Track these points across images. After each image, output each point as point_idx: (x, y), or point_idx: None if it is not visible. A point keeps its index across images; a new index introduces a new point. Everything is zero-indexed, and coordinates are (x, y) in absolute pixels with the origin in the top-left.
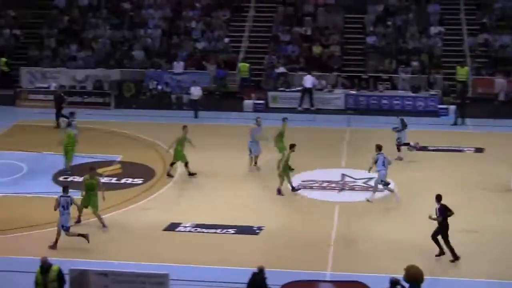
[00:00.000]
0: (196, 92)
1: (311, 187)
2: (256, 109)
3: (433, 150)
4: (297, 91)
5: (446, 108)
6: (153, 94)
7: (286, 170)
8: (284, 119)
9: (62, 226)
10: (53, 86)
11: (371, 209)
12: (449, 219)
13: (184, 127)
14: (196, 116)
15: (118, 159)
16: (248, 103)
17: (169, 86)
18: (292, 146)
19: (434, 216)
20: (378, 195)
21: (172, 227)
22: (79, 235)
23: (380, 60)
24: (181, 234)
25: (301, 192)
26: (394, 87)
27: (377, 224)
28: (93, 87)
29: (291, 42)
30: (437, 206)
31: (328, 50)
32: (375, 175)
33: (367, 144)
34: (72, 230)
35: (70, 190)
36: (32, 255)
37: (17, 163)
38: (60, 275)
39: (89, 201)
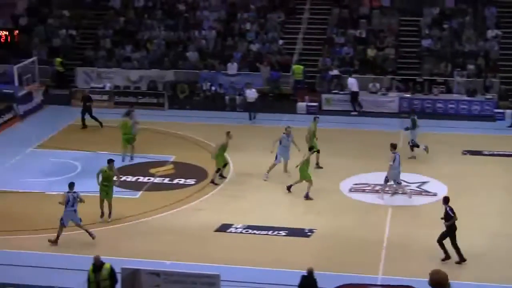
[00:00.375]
0: (251, 94)
1: (363, 190)
2: (309, 111)
3: (488, 155)
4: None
5: (503, 112)
6: (207, 95)
7: (304, 171)
8: (315, 118)
9: (61, 219)
10: (108, 86)
11: (424, 213)
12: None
13: (228, 133)
14: (251, 118)
15: (171, 160)
16: (301, 105)
17: (222, 87)
18: (311, 149)
19: (445, 220)
20: (427, 199)
21: (224, 228)
22: (89, 233)
23: (435, 64)
24: (232, 235)
25: (354, 195)
26: (449, 91)
27: (429, 229)
28: (147, 87)
29: (346, 44)
30: (446, 208)
31: (382, 52)
32: (427, 178)
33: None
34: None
35: (122, 189)
36: (84, 253)
37: (71, 162)
38: (112, 273)
39: (107, 192)
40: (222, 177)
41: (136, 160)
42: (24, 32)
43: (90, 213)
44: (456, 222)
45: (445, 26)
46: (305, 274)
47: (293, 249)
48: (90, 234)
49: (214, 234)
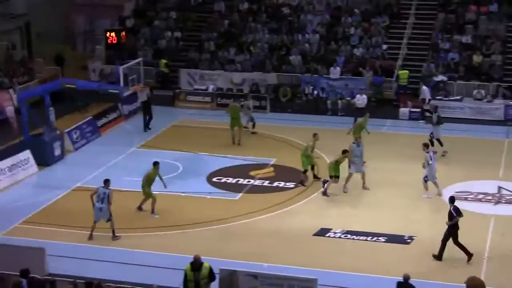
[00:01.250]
0: (361, 100)
1: (465, 198)
2: (411, 117)
3: None
4: (454, 100)
5: None
6: (309, 99)
7: (335, 171)
8: (365, 114)
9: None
10: (211, 88)
11: None
12: None
13: (315, 134)
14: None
15: (272, 163)
16: (404, 111)
17: (324, 91)
18: (344, 152)
19: (449, 220)
20: None
21: (322, 232)
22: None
23: None
24: (330, 240)
25: (456, 203)
26: None
27: None
28: (249, 90)
29: (451, 50)
30: (450, 207)
31: (489, 59)
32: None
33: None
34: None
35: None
36: (184, 253)
37: (173, 162)
38: (211, 273)
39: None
40: (317, 178)
41: (237, 162)
42: (131, 33)
43: (190, 212)
44: None
45: None
46: (401, 280)
47: (392, 256)
48: (114, 234)
49: (312, 238)
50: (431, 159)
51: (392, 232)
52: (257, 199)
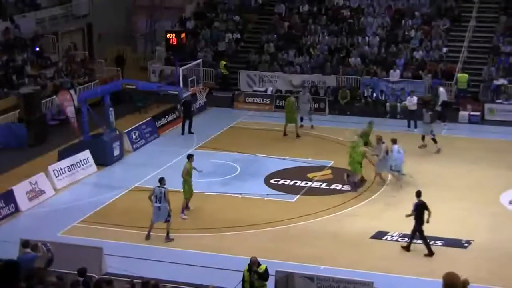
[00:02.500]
0: (412, 102)
1: None
2: (471, 120)
3: None
4: None
5: None
6: (368, 101)
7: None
8: (370, 122)
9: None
10: (270, 90)
11: None
12: None
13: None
14: (409, 126)
15: (329, 165)
16: (463, 114)
17: (384, 94)
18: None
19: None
20: None
21: (380, 235)
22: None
23: None
24: (387, 243)
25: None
26: None
27: None
28: (308, 92)
29: None
30: (415, 201)
31: None
32: None
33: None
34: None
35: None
36: (240, 254)
37: (231, 163)
38: (264, 272)
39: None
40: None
41: (295, 164)
42: (191, 35)
43: (248, 214)
44: None
45: None
46: None
47: (449, 260)
48: (168, 236)
49: (369, 241)
50: (386, 152)
51: (449, 236)
52: (314, 201)
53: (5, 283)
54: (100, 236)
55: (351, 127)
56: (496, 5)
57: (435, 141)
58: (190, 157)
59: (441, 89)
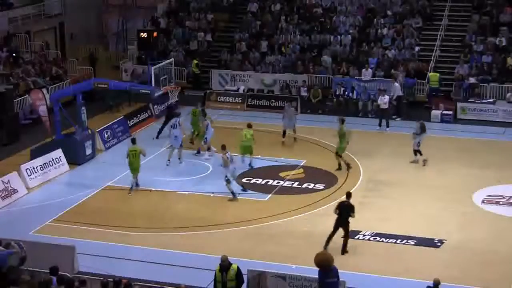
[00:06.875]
0: (384, 101)
1: (497, 202)
2: (443, 119)
3: None
4: (487, 102)
5: None
6: (340, 100)
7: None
8: (341, 120)
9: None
10: (242, 89)
11: None
12: None
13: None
14: (380, 125)
15: (302, 164)
16: (435, 113)
17: (356, 93)
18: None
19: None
20: None
21: (351, 234)
22: None
23: None
24: (359, 242)
25: (487, 206)
26: None
27: None
28: (280, 91)
29: (485, 52)
30: (343, 202)
31: None
32: None
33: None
34: None
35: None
36: (212, 253)
37: (203, 163)
38: (238, 274)
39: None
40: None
41: (267, 163)
42: (163, 34)
43: (219, 213)
44: None
45: None
46: (431, 285)
47: (422, 259)
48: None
49: (341, 240)
50: (229, 160)
51: (422, 235)
52: (286, 200)
53: None
54: (72, 235)
55: (324, 126)
56: (469, 4)
57: (420, 153)
58: (133, 141)
59: (396, 83)
